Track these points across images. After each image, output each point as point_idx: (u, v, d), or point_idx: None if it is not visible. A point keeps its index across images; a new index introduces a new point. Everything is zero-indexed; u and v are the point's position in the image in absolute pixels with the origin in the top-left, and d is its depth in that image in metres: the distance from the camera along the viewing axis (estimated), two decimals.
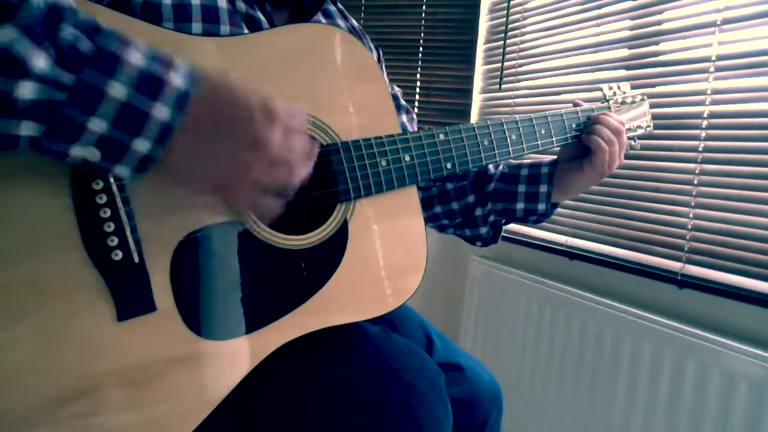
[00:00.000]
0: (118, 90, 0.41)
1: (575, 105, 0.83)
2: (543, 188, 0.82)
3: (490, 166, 0.87)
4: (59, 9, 0.40)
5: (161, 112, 0.43)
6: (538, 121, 0.78)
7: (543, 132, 0.79)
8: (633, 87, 0.92)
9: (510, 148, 0.76)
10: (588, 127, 0.81)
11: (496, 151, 0.75)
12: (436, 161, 0.70)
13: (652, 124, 0.92)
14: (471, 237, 0.90)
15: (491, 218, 0.86)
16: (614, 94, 0.88)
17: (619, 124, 0.80)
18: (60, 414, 0.47)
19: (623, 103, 0.88)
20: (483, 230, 0.87)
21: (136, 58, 0.42)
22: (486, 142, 0.74)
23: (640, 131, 0.90)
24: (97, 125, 0.41)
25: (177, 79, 0.44)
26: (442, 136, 0.70)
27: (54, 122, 0.40)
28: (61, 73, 0.39)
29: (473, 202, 0.86)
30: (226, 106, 0.46)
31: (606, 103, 0.87)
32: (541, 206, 0.82)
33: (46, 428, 0.46)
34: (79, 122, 0.41)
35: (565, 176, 0.82)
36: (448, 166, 0.71)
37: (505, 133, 0.76)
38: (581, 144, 0.81)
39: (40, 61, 0.38)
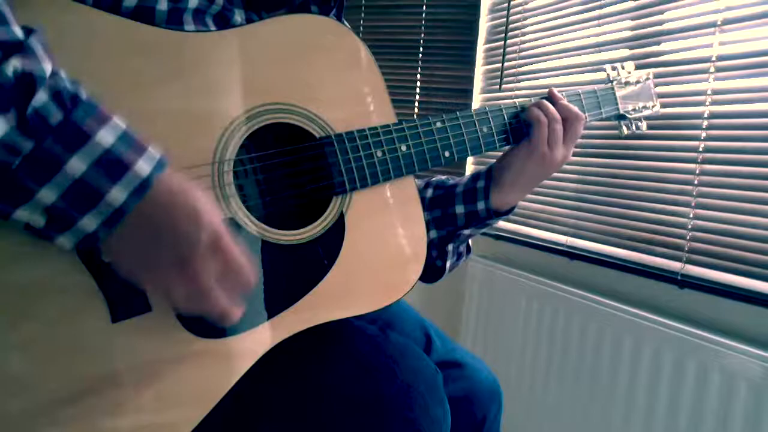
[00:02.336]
0: (75, 165, 0.40)
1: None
2: (480, 183, 0.75)
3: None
4: (33, 77, 0.39)
5: (116, 195, 0.41)
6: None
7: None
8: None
9: (511, 135, 0.74)
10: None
11: (496, 138, 0.73)
12: (434, 150, 0.68)
13: (658, 104, 0.90)
14: None
15: (433, 234, 0.77)
16: (618, 74, 0.86)
17: (570, 109, 0.73)
18: (58, 417, 0.46)
19: (627, 83, 0.86)
20: None
21: (105, 137, 0.41)
22: (485, 129, 0.72)
23: (646, 111, 0.88)
24: (46, 195, 0.40)
25: (142, 166, 0.42)
26: (439, 124, 0.69)
27: (2, 183, 0.39)
28: (19, 139, 0.38)
29: None
30: (180, 210, 0.44)
31: (610, 84, 0.85)
32: (480, 205, 0.75)
33: (45, 430, 0.46)
34: (29, 188, 0.39)
35: (502, 165, 0.75)
36: (446, 154, 0.69)
37: (504, 119, 0.74)
38: None
39: (1, 124, 0.37)
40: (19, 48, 0.39)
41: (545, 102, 0.74)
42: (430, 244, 0.78)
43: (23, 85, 0.39)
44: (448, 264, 0.80)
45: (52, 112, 0.40)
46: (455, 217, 0.76)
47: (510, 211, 0.77)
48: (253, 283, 0.49)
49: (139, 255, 0.45)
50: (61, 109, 0.40)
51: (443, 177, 0.83)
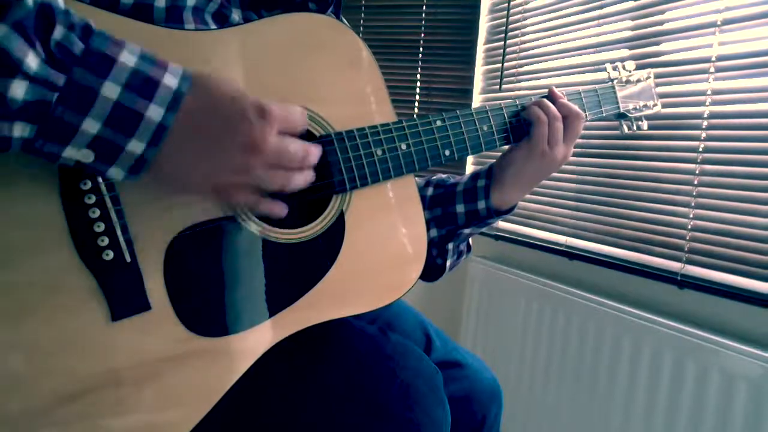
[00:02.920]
0: (110, 90, 0.41)
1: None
2: (481, 182, 0.75)
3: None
4: (51, 9, 0.40)
5: (154, 112, 0.43)
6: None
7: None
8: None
9: (511, 133, 0.74)
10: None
11: (496, 136, 0.73)
12: (434, 148, 0.68)
13: (659, 103, 0.89)
14: None
15: (433, 233, 0.78)
16: (619, 73, 0.86)
17: (570, 108, 0.73)
18: (58, 415, 0.46)
19: (628, 81, 0.86)
20: None
21: (128, 58, 0.42)
22: (485, 128, 0.72)
23: (647, 111, 0.88)
24: (90, 126, 0.41)
25: (170, 80, 0.43)
26: (439, 123, 0.68)
27: (46, 123, 0.40)
28: (51, 73, 0.39)
29: None
30: (220, 106, 0.46)
31: (610, 83, 0.85)
32: (481, 204, 0.75)
33: (45, 430, 0.46)
34: (72, 123, 0.40)
35: (502, 164, 0.75)
36: (447, 153, 0.69)
37: (504, 118, 0.74)
38: None
39: (32, 61, 0.38)
40: None
41: (545, 101, 0.74)
42: (431, 243, 0.78)
43: (43, 16, 0.39)
44: (448, 263, 0.80)
45: (74, 42, 0.40)
46: (455, 216, 0.76)
47: (510, 210, 0.77)
48: (306, 144, 0.51)
49: (196, 163, 0.46)
50: (81, 39, 0.41)
51: (443, 175, 0.83)
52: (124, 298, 0.49)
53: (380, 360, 0.62)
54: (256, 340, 0.56)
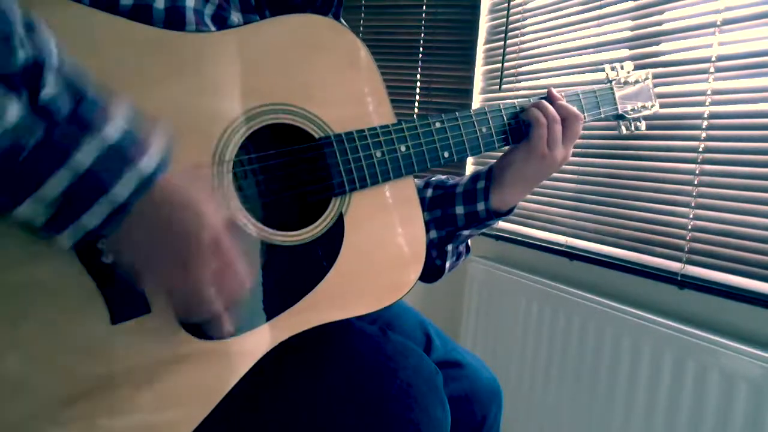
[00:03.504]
0: (82, 157, 0.39)
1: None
2: (480, 184, 0.75)
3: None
4: (42, 62, 0.39)
5: (120, 190, 0.41)
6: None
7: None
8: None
9: (509, 135, 0.74)
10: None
11: (495, 138, 0.73)
12: (433, 150, 0.68)
13: (657, 104, 0.89)
14: None
15: (432, 234, 0.77)
16: (617, 74, 0.86)
17: (568, 109, 0.73)
18: (58, 418, 0.46)
19: (626, 83, 0.86)
20: None
21: (111, 130, 0.41)
22: (484, 130, 0.72)
23: (645, 111, 0.88)
24: (53, 187, 0.39)
25: (147, 163, 0.42)
26: (438, 125, 0.69)
27: (10, 174, 0.38)
28: (30, 125, 0.38)
29: None
30: (183, 210, 0.45)
31: (608, 84, 0.85)
32: (480, 206, 0.74)
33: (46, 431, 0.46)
34: (36, 179, 0.39)
35: (502, 166, 0.75)
36: (446, 155, 0.69)
37: (503, 120, 0.74)
38: None
39: (14, 108, 0.37)
40: (27, 32, 0.39)
41: (544, 102, 0.74)
42: (430, 245, 0.78)
43: (32, 71, 0.39)
44: (447, 264, 0.80)
45: (61, 104, 0.40)
46: (455, 218, 0.76)
47: (510, 211, 0.77)
48: (249, 287, 0.49)
49: (139, 253, 0.45)
50: (70, 100, 0.40)
51: (443, 177, 0.83)
52: (123, 301, 0.49)
53: (380, 360, 0.62)
54: (256, 342, 0.56)
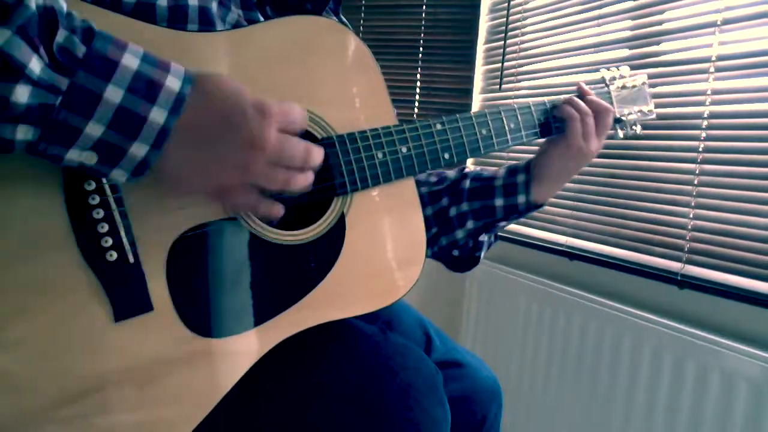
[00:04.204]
0: (113, 94, 0.41)
1: (579, 89, 0.81)
2: (521, 178, 0.79)
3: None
4: (54, 12, 0.40)
5: (157, 115, 0.43)
6: (537, 107, 0.78)
7: (543, 119, 0.78)
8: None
9: (508, 137, 0.75)
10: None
11: (495, 140, 0.74)
12: (434, 152, 0.69)
13: (653, 108, 0.90)
14: (447, 245, 0.83)
15: (470, 225, 0.80)
16: (614, 78, 0.87)
17: (599, 103, 0.78)
18: (60, 415, 0.46)
19: (623, 87, 0.87)
20: (459, 234, 0.81)
21: (131, 61, 0.42)
22: (484, 132, 0.73)
23: (641, 116, 0.89)
24: (93, 129, 0.41)
25: (173, 82, 0.44)
26: (439, 126, 0.69)
27: (49, 126, 0.40)
28: (55, 77, 0.39)
29: (447, 204, 0.82)
30: (221, 106, 0.46)
31: (606, 88, 0.86)
32: (521, 198, 0.78)
33: (47, 429, 0.46)
34: (75, 126, 0.40)
35: (541, 161, 0.79)
36: (446, 156, 0.70)
37: (503, 122, 0.75)
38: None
39: (35, 65, 0.38)
40: None
41: (575, 98, 0.78)
42: (467, 235, 0.81)
43: (46, 20, 0.39)
44: (482, 253, 0.84)
45: (76, 46, 0.40)
46: (494, 210, 0.79)
47: (544, 204, 0.81)
48: (307, 150, 0.51)
49: (198, 163, 0.47)
50: (83, 41, 0.41)
51: (477, 169, 0.86)
52: (126, 298, 0.49)
53: (380, 360, 0.62)
54: (258, 340, 0.57)
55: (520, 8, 1.64)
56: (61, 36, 0.40)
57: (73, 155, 0.42)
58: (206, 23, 0.58)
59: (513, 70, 1.67)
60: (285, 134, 0.49)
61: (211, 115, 0.46)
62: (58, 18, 0.40)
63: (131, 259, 0.50)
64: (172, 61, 0.45)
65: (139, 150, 0.43)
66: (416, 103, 1.89)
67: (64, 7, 0.41)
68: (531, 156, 0.82)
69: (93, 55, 0.41)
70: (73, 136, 0.41)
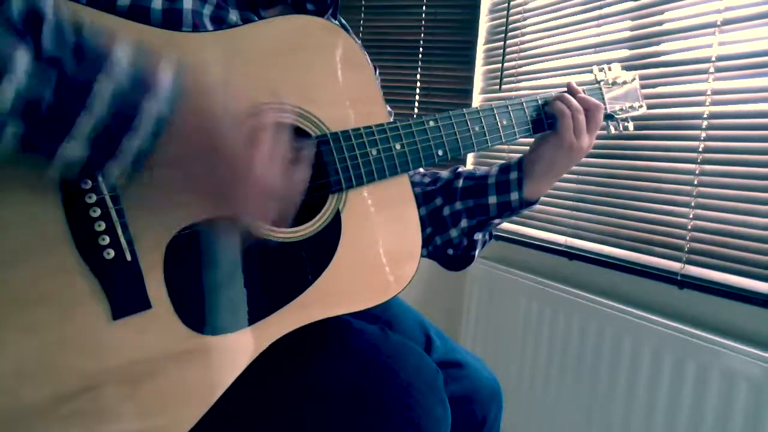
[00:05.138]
0: (103, 85, 0.40)
1: (569, 87, 0.81)
2: (513, 175, 0.78)
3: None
4: (42, 7, 0.39)
5: (153, 105, 0.42)
6: (529, 104, 0.78)
7: (536, 116, 0.78)
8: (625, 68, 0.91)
9: (501, 134, 0.76)
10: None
11: (488, 137, 0.75)
12: (427, 148, 0.69)
13: (644, 104, 0.91)
14: (442, 245, 0.83)
15: (464, 223, 0.80)
16: (605, 75, 0.88)
17: (589, 100, 0.78)
18: (57, 413, 0.46)
19: (614, 84, 0.88)
20: (453, 233, 0.81)
21: (121, 54, 0.42)
22: (477, 128, 0.74)
23: (633, 112, 0.90)
24: (86, 121, 0.40)
25: (165, 73, 0.43)
26: (432, 123, 0.70)
27: (38, 120, 0.39)
28: (42, 68, 0.39)
29: (441, 204, 0.81)
30: (212, 103, 0.46)
31: (597, 85, 0.87)
32: (514, 195, 0.78)
33: (46, 428, 0.46)
34: (68, 118, 0.40)
35: (534, 158, 0.79)
36: (440, 153, 0.71)
37: (495, 119, 0.75)
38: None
39: (22, 58, 0.38)
40: None
41: (566, 95, 0.78)
42: (461, 233, 0.81)
43: (33, 14, 0.39)
44: (477, 251, 0.85)
45: (65, 38, 0.40)
46: (487, 208, 0.79)
47: (537, 201, 0.81)
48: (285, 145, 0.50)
49: (195, 156, 0.46)
50: (72, 34, 0.40)
51: (470, 167, 0.85)
52: (124, 296, 0.49)
53: (380, 359, 0.62)
54: (256, 337, 0.57)
55: (520, 8, 1.64)
56: (48, 29, 0.39)
57: (66, 149, 0.41)
58: (200, 27, 0.58)
59: (513, 71, 1.67)
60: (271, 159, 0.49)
61: (203, 114, 0.46)
62: (46, 12, 0.39)
63: (129, 257, 0.50)
64: (162, 56, 0.45)
65: (131, 143, 0.42)
66: (416, 104, 1.89)
67: (51, 2, 0.40)
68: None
69: (82, 47, 0.40)
70: (64, 130, 0.40)
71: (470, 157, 1.81)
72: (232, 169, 0.47)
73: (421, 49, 1.87)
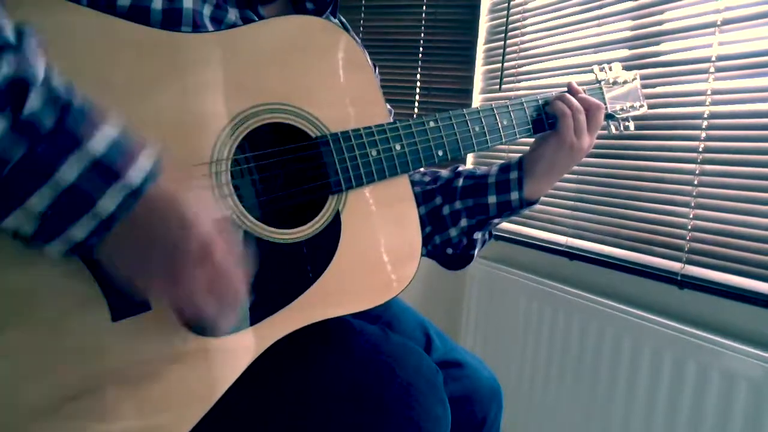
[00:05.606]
0: (66, 172, 0.39)
1: (570, 87, 0.81)
2: (513, 175, 0.78)
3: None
4: (26, 81, 0.38)
5: (106, 204, 0.41)
6: (529, 104, 0.78)
7: (536, 116, 0.78)
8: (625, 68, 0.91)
9: (501, 134, 0.76)
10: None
11: (488, 137, 0.74)
12: (427, 149, 0.69)
13: (645, 104, 0.91)
14: (441, 244, 0.83)
15: (463, 223, 0.80)
16: (606, 75, 0.88)
17: (589, 100, 0.78)
18: (56, 415, 0.46)
19: (615, 83, 0.88)
20: (453, 232, 0.81)
21: (97, 145, 0.40)
22: (477, 128, 0.73)
23: (633, 111, 0.90)
24: (37, 203, 0.39)
25: (134, 175, 0.42)
26: (432, 123, 0.70)
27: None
28: (11, 143, 0.38)
29: (440, 203, 0.81)
30: (171, 220, 0.44)
31: (598, 85, 0.87)
32: (514, 195, 0.78)
33: (46, 429, 0.46)
34: (19, 195, 0.39)
35: (534, 158, 0.78)
36: (440, 153, 0.70)
37: (495, 119, 0.75)
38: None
39: None
40: (11, 50, 0.38)
41: (567, 95, 0.78)
42: (461, 233, 0.81)
43: (15, 88, 0.38)
44: (476, 251, 0.85)
45: (45, 118, 0.39)
46: (487, 207, 0.79)
47: (537, 201, 0.81)
48: (243, 291, 0.49)
49: (130, 262, 0.45)
50: (54, 114, 0.39)
51: (470, 167, 0.85)
52: (124, 298, 0.49)
53: (380, 359, 0.62)
54: (255, 339, 0.56)
55: (520, 8, 1.64)
56: (30, 106, 0.38)
57: (11, 222, 0.40)
58: (200, 26, 0.58)
59: (513, 71, 1.67)
60: (217, 276, 0.47)
61: (156, 226, 0.44)
62: (29, 87, 0.38)
63: None
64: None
65: (78, 232, 0.41)
66: (416, 104, 1.89)
67: (41, 74, 0.39)
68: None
69: (59, 131, 0.39)
70: (14, 204, 0.39)
71: (470, 157, 1.81)
72: (182, 280, 0.46)
73: (421, 49, 1.87)
